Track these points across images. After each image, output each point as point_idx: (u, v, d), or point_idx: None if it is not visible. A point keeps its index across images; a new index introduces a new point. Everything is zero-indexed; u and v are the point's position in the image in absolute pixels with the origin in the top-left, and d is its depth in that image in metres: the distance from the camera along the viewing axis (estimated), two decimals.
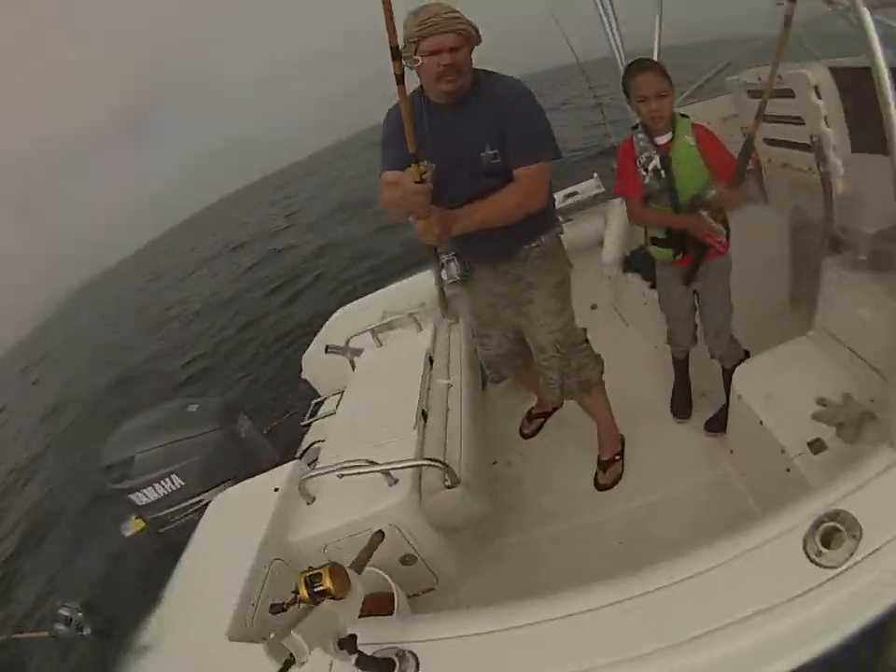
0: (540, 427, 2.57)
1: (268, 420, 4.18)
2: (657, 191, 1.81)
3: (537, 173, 1.59)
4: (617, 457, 2.17)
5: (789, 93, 1.62)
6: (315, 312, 7.92)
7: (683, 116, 1.80)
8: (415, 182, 1.36)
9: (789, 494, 1.62)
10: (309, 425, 2.80)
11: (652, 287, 2.64)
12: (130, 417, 2.28)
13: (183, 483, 1.96)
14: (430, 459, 1.69)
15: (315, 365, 2.99)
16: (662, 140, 1.77)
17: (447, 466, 1.68)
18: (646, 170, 1.80)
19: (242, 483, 1.87)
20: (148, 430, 2.06)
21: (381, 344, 2.60)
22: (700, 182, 1.74)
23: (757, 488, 1.88)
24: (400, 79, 1.24)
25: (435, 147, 1.56)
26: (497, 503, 2.15)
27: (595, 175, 3.34)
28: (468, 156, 1.61)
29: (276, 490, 1.73)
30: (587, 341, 2.00)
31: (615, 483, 2.13)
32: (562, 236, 1.93)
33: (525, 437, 2.56)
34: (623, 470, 2.16)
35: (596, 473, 2.17)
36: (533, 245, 1.79)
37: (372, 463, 1.58)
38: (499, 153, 1.59)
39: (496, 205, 1.57)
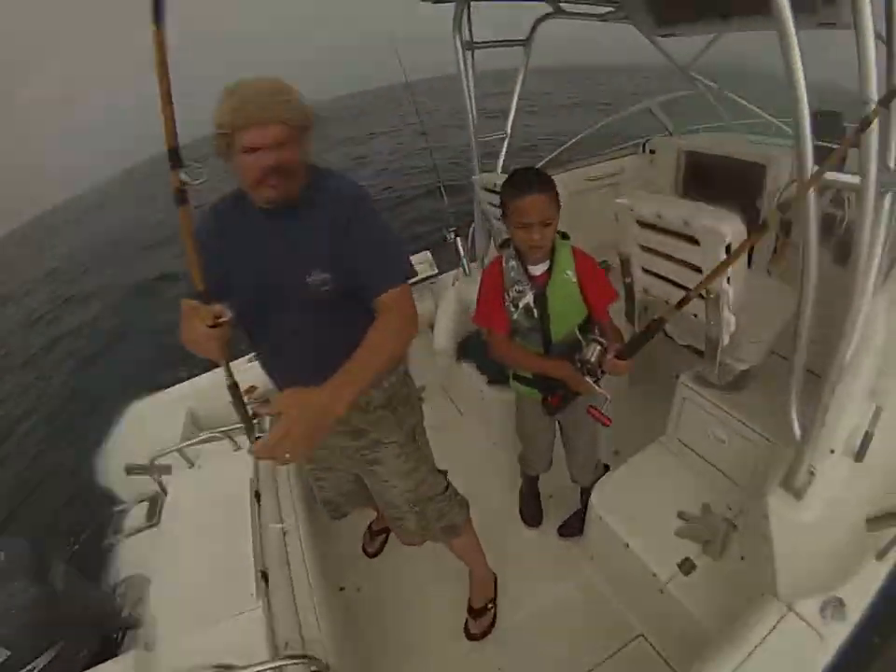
0: (384, 542, 2.28)
1: (64, 539, 3.56)
2: (526, 329, 1.55)
3: (406, 294, 1.20)
4: (490, 605, 1.92)
5: (693, 240, 1.46)
6: (118, 376, 6.59)
7: (564, 237, 1.52)
8: (209, 326, 0.98)
9: (663, 612, 1.56)
10: (116, 542, 2.21)
11: (490, 382, 2.49)
12: None
13: (10, 654, 1.52)
14: (291, 656, 1.41)
15: (112, 470, 2.38)
16: (537, 271, 1.51)
17: (311, 658, 1.41)
18: (515, 306, 1.52)
19: None
20: None
21: (192, 464, 2.12)
22: (577, 319, 1.52)
23: (627, 599, 1.81)
24: (182, 198, 0.92)
25: (252, 265, 1.20)
26: (357, 639, 1.85)
27: (428, 252, 3.09)
28: (292, 280, 1.18)
29: None
30: (448, 486, 1.68)
31: (485, 634, 1.87)
32: None
33: (370, 556, 2.25)
34: (495, 618, 1.91)
35: (466, 621, 1.90)
36: (374, 391, 1.36)
37: (228, 668, 1.31)
38: (331, 278, 1.18)
39: (377, 350, 1.09)
